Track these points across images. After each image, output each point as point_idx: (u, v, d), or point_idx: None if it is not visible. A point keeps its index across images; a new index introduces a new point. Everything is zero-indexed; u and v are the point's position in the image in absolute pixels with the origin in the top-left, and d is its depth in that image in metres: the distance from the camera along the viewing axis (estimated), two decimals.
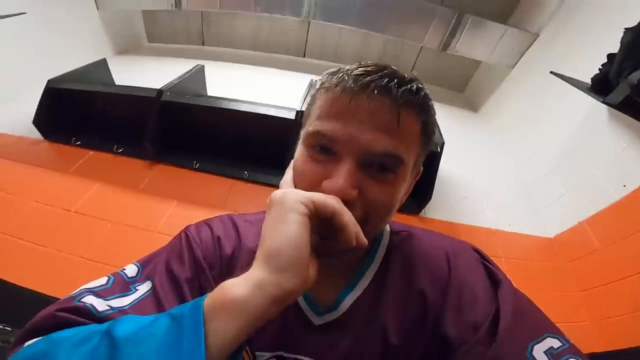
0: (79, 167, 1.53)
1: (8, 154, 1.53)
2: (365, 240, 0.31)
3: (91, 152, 1.59)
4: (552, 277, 1.37)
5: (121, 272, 0.41)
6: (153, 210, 1.40)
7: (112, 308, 0.35)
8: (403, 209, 1.50)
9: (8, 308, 1.07)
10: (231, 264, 0.43)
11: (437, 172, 1.49)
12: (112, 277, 0.40)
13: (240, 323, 0.25)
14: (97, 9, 2.30)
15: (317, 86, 0.40)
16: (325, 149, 0.35)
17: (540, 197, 1.68)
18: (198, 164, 1.58)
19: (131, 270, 0.42)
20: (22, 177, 1.45)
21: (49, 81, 1.59)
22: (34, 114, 1.57)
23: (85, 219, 1.33)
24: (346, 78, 0.34)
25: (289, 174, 0.37)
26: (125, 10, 2.45)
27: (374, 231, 0.39)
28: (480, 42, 2.37)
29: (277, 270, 0.27)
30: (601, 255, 1.28)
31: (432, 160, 1.46)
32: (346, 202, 0.32)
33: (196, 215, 1.41)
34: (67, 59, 1.88)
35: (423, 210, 1.54)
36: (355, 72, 0.35)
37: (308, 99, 0.42)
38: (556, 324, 0.35)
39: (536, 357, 0.31)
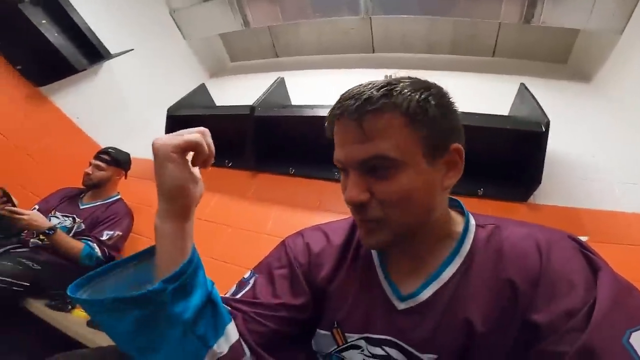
0: (203, 180, 1.79)
1: (144, 174, 1.85)
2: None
3: (210, 168, 1.84)
4: None
5: (243, 277, 0.57)
6: (260, 214, 1.60)
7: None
8: (506, 197, 1.41)
9: None
10: (320, 259, 0.54)
11: (544, 153, 1.35)
12: (238, 282, 0.57)
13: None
14: (184, 38, 2.62)
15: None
16: (343, 170, 0.45)
17: None
18: (293, 170, 1.74)
19: (247, 274, 0.58)
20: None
21: (168, 110, 1.91)
22: None
23: (210, 225, 1.58)
24: (334, 108, 0.44)
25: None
26: (206, 37, 2.75)
27: (405, 223, 0.43)
28: (569, 9, 2.03)
29: (168, 200, 0.42)
30: None
31: (536, 142, 1.33)
32: (363, 206, 0.42)
33: (296, 216, 1.56)
34: (172, 86, 2.21)
35: (532, 197, 1.42)
36: (335, 106, 0.43)
37: None
38: None
39: (633, 345, 0.30)
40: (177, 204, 0.42)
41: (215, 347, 0.42)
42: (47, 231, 1.36)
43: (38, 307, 1.28)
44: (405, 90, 0.40)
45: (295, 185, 1.70)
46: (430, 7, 2.32)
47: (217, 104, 2.15)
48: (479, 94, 1.92)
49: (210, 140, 0.43)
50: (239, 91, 2.27)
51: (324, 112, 1.58)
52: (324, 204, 1.60)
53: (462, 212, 0.51)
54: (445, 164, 0.43)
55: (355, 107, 0.40)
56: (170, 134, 0.41)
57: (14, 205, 1.35)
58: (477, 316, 0.41)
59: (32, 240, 1.45)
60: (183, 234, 0.42)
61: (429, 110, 0.40)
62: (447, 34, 2.76)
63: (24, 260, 1.32)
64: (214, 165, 1.79)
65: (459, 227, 0.48)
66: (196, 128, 0.43)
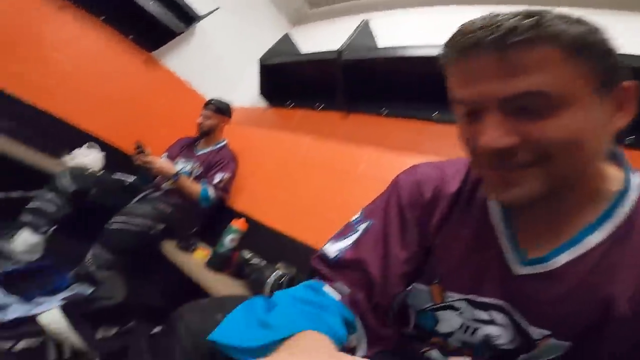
0: (295, 124, 1.95)
1: (254, 121, 2.09)
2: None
3: (302, 111, 1.98)
4: None
5: (352, 220, 0.54)
6: (352, 156, 1.62)
7: (339, 251, 0.49)
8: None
9: (263, 246, 1.46)
10: (432, 204, 0.48)
11: None
12: (345, 225, 0.54)
13: None
14: None
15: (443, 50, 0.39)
16: (470, 113, 0.37)
17: None
18: (386, 110, 1.71)
19: (357, 215, 0.54)
20: (257, 137, 1.96)
21: (260, 59, 2.02)
22: (259, 87, 2.06)
23: (302, 168, 1.69)
24: (458, 39, 0.35)
25: None
26: None
27: (567, 172, 0.35)
28: None
29: None
30: None
31: None
32: (505, 152, 0.34)
33: (389, 158, 1.55)
34: (257, 37, 2.31)
35: None
36: (457, 35, 0.35)
37: None
38: None
39: None
40: None
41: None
42: (173, 177, 1.59)
43: (169, 249, 1.44)
44: (558, 21, 0.32)
45: (388, 126, 1.68)
46: None
47: (303, 52, 2.18)
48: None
49: None
50: (322, 37, 2.25)
51: (415, 52, 1.50)
52: (419, 145, 1.55)
53: (621, 165, 0.42)
54: (615, 103, 0.36)
55: (495, 37, 0.32)
56: None
57: (146, 155, 1.58)
58: (622, 296, 0.35)
59: (163, 185, 1.71)
60: None
61: (593, 42, 0.33)
62: None
63: (158, 204, 1.53)
64: (304, 107, 1.84)
65: (616, 186, 0.39)
66: None
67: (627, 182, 0.39)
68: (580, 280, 0.37)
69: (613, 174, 0.40)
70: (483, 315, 0.44)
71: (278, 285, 1.12)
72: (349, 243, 0.49)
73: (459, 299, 0.45)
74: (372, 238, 0.48)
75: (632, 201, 0.38)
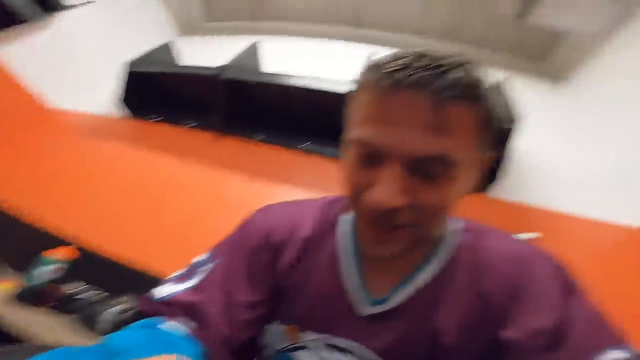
0: (158, 141, 1.69)
1: (97, 131, 1.74)
2: None
3: (168, 127, 1.75)
4: None
5: (196, 260, 0.49)
6: (221, 180, 1.50)
7: (174, 292, 0.44)
8: None
9: (103, 276, 1.22)
10: (280, 249, 0.47)
11: (508, 150, 1.34)
12: (189, 266, 0.48)
13: None
14: None
15: (358, 82, 0.35)
16: (369, 156, 0.33)
17: (637, 182, 1.44)
18: (261, 137, 1.64)
19: (203, 256, 0.49)
20: (110, 152, 1.65)
21: (127, 64, 1.75)
22: (121, 94, 1.75)
23: (161, 191, 1.47)
24: (382, 75, 0.30)
25: None
26: None
27: (426, 233, 0.37)
28: (566, 8, 1.98)
29: None
30: None
31: (502, 137, 1.32)
32: (394, 214, 0.32)
33: (259, 187, 1.47)
34: (135, 43, 2.03)
35: (491, 190, 1.41)
36: (389, 66, 0.30)
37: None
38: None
39: None
40: None
41: None
42: None
43: None
44: (482, 80, 0.30)
45: (262, 152, 1.61)
46: None
47: (186, 64, 2.00)
48: None
49: None
50: (210, 52, 2.11)
51: (298, 82, 1.50)
52: (291, 176, 1.51)
53: None
54: (478, 169, 0.36)
55: (440, 83, 0.28)
56: None
57: None
58: (447, 328, 0.38)
59: None
60: None
61: (497, 116, 0.33)
62: (440, 17, 2.67)
63: None
64: (172, 123, 1.70)
65: (439, 230, 0.42)
66: None
67: (450, 225, 0.43)
68: (416, 315, 0.40)
69: None
70: (336, 355, 0.44)
71: (121, 322, 0.99)
72: (189, 286, 0.44)
73: (314, 339, 0.45)
74: (216, 281, 0.44)
75: (453, 243, 0.42)
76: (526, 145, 1.48)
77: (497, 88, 1.66)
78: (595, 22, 1.95)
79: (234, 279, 0.45)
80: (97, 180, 1.53)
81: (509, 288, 0.37)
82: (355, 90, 0.36)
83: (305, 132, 1.62)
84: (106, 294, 1.13)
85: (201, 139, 1.68)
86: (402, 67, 0.30)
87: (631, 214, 1.36)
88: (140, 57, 1.82)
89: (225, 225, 0.53)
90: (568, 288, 0.37)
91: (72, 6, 1.81)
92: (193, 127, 1.73)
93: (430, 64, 0.29)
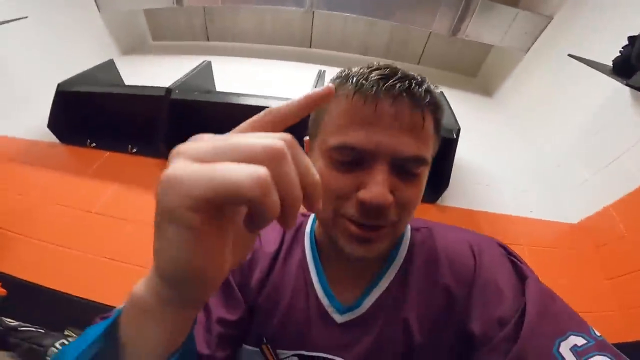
0: (96, 168, 1.55)
1: (26, 158, 1.56)
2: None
3: (107, 153, 1.61)
4: (577, 265, 1.34)
5: None
6: None
7: None
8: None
9: (41, 310, 1.12)
10: (252, 265, 0.46)
11: (453, 159, 1.45)
12: None
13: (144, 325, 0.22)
14: (99, 10, 2.28)
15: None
16: (352, 161, 0.34)
17: (562, 182, 1.64)
18: None
19: None
20: (42, 181, 1.48)
21: (59, 85, 1.60)
22: (48, 117, 1.59)
23: (106, 220, 1.36)
24: (364, 83, 0.33)
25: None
26: (126, 11, 2.43)
27: (402, 229, 0.39)
28: (491, 26, 2.30)
29: (176, 289, 0.20)
30: (628, 242, 1.25)
31: (447, 147, 1.42)
32: (384, 209, 0.33)
33: None
34: (73, 62, 1.89)
35: (440, 199, 1.51)
36: (372, 76, 0.34)
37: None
38: (583, 314, 0.34)
39: (563, 354, 0.30)
40: (184, 293, 0.21)
41: None
42: None
43: None
44: (437, 92, 0.36)
45: None
46: (373, 9, 2.41)
47: (128, 84, 1.88)
48: None
49: (304, 169, 0.19)
50: (157, 73, 2.02)
51: (250, 102, 1.48)
52: None
53: None
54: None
55: (418, 93, 0.33)
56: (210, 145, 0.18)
57: None
58: (415, 326, 0.39)
59: None
60: (185, 323, 0.24)
61: (442, 123, 0.39)
62: (384, 38, 2.87)
63: None
64: (112, 150, 1.58)
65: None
66: (263, 141, 0.17)
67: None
68: (384, 317, 0.40)
69: None
70: None
71: None
72: None
73: (292, 355, 0.43)
74: None
75: (407, 244, 0.44)
76: (466, 153, 1.61)
77: (443, 100, 1.82)
78: (512, 38, 2.26)
79: (212, 299, 0.42)
80: (32, 212, 1.36)
81: (465, 280, 0.38)
82: (348, 91, 0.36)
83: None
84: (42, 329, 1.05)
85: (145, 164, 1.57)
86: (380, 77, 0.33)
87: (561, 211, 1.54)
88: (75, 76, 1.66)
89: None
90: (519, 274, 0.38)
91: (2, 22, 1.63)
92: (135, 153, 1.61)
93: (404, 77, 0.34)
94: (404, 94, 0.33)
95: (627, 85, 1.27)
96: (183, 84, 1.64)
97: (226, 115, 1.57)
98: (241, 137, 0.18)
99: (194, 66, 1.89)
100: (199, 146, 0.18)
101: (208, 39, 2.88)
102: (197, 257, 0.18)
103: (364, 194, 0.33)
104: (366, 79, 0.34)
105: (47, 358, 0.94)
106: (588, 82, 1.60)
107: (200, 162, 0.17)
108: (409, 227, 0.46)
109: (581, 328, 0.32)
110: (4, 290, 1.12)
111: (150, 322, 0.22)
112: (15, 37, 1.79)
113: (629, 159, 1.31)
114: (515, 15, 2.20)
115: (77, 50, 2.09)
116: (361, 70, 0.36)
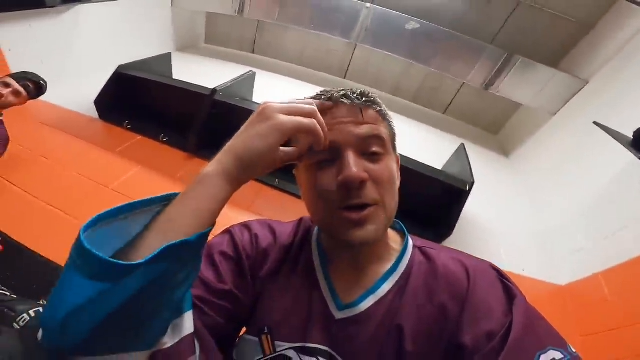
0: (125, 148, 1.65)
1: (62, 126, 1.67)
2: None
3: (139, 137, 1.72)
4: (554, 321, 1.32)
5: None
6: None
7: None
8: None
9: (21, 275, 1.11)
10: (265, 255, 0.51)
11: (462, 209, 1.49)
12: None
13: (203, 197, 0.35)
14: (172, 5, 2.49)
15: None
16: (326, 158, 0.43)
17: (559, 247, 1.65)
18: None
19: None
20: (70, 149, 1.58)
21: (119, 66, 1.75)
22: (98, 94, 1.72)
23: (120, 198, 1.41)
24: (329, 93, 0.45)
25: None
26: (192, 10, 2.64)
27: (394, 208, 0.45)
28: (526, 85, 2.33)
29: (243, 168, 0.36)
30: (610, 305, 1.26)
31: (459, 198, 1.47)
32: (361, 186, 0.41)
33: (222, 212, 1.47)
34: (136, 48, 2.06)
35: (442, 244, 1.53)
36: (328, 94, 0.45)
37: None
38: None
39: None
40: (251, 173, 0.37)
41: (167, 333, 0.35)
42: None
43: None
44: (374, 97, 0.46)
45: None
46: (414, 53, 2.52)
47: (175, 78, 2.02)
48: (423, 143, 2.09)
49: (322, 123, 0.40)
50: (202, 72, 2.18)
51: None
52: (255, 206, 1.54)
53: (402, 232, 0.53)
54: (396, 163, 0.48)
55: (357, 95, 0.43)
56: (285, 104, 0.38)
57: None
58: (407, 335, 0.41)
59: None
60: (226, 200, 0.37)
61: (388, 115, 0.47)
62: (417, 81, 2.98)
63: None
64: (145, 135, 1.61)
65: (398, 246, 0.50)
66: (308, 106, 0.39)
67: (405, 243, 0.50)
68: (379, 322, 0.43)
69: (396, 237, 0.52)
70: None
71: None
72: None
73: (289, 348, 0.46)
74: (203, 266, 0.46)
75: (407, 258, 0.48)
76: (473, 206, 1.64)
77: (460, 151, 1.87)
78: (544, 99, 2.29)
79: (223, 270, 0.46)
80: (48, 172, 1.45)
81: (459, 297, 0.42)
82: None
83: (280, 170, 1.67)
84: (15, 295, 0.99)
85: (172, 155, 1.67)
86: (331, 91, 0.44)
87: (552, 272, 1.56)
88: (134, 62, 1.83)
89: None
90: (509, 294, 0.41)
91: (94, 0, 1.83)
92: (166, 142, 1.72)
93: (342, 89, 0.44)
94: (346, 99, 0.43)
95: None
96: (228, 87, 1.76)
97: None
98: (299, 104, 0.38)
99: (236, 74, 2.02)
100: (281, 105, 0.38)
101: (253, 52, 3.07)
102: (268, 146, 0.36)
103: (341, 176, 0.40)
104: (329, 91, 0.45)
105: (16, 325, 0.89)
106: (606, 153, 1.60)
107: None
108: (411, 243, 0.50)
109: (560, 344, 0.37)
110: (1, 247, 1.14)
111: (210, 199, 0.35)
112: (96, 15, 1.99)
113: (628, 233, 1.33)
114: (552, 76, 2.22)
115: (143, 38, 2.28)
116: (322, 91, 0.46)
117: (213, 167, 0.36)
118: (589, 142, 1.79)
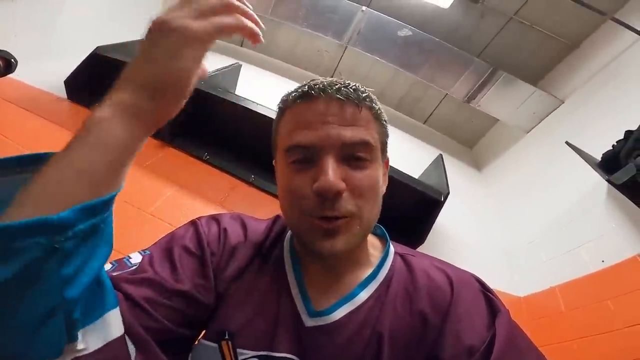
0: None
1: (28, 105, 1.58)
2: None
3: None
4: None
5: (125, 257, 0.42)
6: (152, 190, 1.41)
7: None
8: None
9: None
10: (232, 253, 0.46)
11: (435, 219, 1.51)
12: (113, 261, 0.41)
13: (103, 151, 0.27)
14: None
15: (278, 114, 0.44)
16: (305, 159, 0.39)
17: (521, 261, 1.72)
18: (208, 156, 1.62)
19: (133, 254, 0.43)
20: (33, 128, 1.49)
21: (97, 47, 1.67)
22: (70, 74, 1.64)
23: None
24: (303, 91, 0.40)
25: None
26: None
27: (372, 220, 0.41)
28: (505, 101, 2.39)
29: (156, 100, 0.28)
30: (565, 318, 1.31)
31: (433, 207, 1.49)
32: (337, 198, 0.37)
33: (192, 205, 1.43)
34: (119, 31, 1.96)
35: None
36: (307, 85, 0.40)
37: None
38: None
39: None
40: (163, 103, 0.29)
41: (78, 340, 0.28)
42: None
43: None
44: (369, 93, 0.41)
45: (204, 172, 1.58)
46: (404, 60, 2.53)
47: None
48: (401, 151, 2.12)
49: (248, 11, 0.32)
50: None
51: (263, 111, 1.51)
52: (228, 202, 1.50)
53: (383, 238, 0.51)
54: (384, 170, 0.44)
55: (338, 88, 0.38)
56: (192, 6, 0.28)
57: None
58: (386, 345, 0.39)
59: None
60: (134, 150, 0.29)
61: (383, 115, 0.43)
62: (400, 91, 3.02)
63: None
64: None
65: (379, 252, 0.47)
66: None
67: (387, 250, 0.47)
68: (354, 332, 0.40)
69: (376, 244, 0.49)
70: None
71: None
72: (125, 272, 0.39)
73: (253, 357, 0.41)
74: (158, 262, 0.41)
75: (388, 266, 0.46)
76: (444, 218, 1.67)
77: (438, 162, 1.90)
78: (521, 116, 2.36)
79: (181, 267, 0.41)
80: (8, 152, 1.36)
81: (441, 308, 0.40)
82: (278, 116, 0.43)
83: (253, 163, 1.63)
84: None
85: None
86: (317, 85, 0.39)
87: (513, 285, 1.61)
88: (115, 44, 1.74)
89: (148, 238, 0.48)
90: (492, 308, 0.40)
91: None
92: None
93: (335, 83, 0.39)
94: (338, 94, 0.38)
95: (607, 180, 1.30)
96: (210, 77, 1.71)
97: (238, 118, 1.65)
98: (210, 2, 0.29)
99: (222, 65, 1.98)
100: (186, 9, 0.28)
101: (242, 45, 3.02)
102: (185, 67, 0.28)
103: (315, 187, 0.37)
104: (307, 89, 0.39)
105: None
106: (574, 173, 1.66)
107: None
108: (392, 250, 0.48)
109: (539, 359, 0.37)
110: None
111: (100, 148, 0.27)
112: None
113: (585, 250, 1.39)
114: (531, 94, 2.28)
115: (129, 22, 2.18)
116: (298, 86, 0.42)
117: (105, 106, 0.28)
118: (559, 161, 1.85)
